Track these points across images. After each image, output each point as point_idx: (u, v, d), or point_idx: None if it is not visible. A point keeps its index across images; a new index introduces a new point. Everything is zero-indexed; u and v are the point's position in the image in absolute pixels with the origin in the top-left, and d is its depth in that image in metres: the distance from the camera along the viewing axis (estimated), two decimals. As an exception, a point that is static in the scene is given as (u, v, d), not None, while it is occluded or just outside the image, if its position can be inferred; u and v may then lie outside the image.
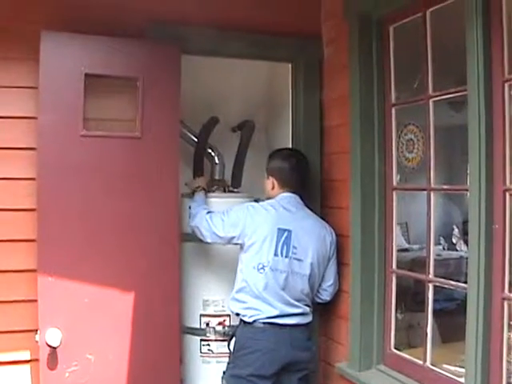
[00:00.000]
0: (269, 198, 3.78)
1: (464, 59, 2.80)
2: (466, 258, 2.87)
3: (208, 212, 3.71)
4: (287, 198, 3.70)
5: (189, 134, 4.19)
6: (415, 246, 8.08)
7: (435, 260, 3.40)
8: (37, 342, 3.31)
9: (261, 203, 3.74)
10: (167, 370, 3.59)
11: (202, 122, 4.23)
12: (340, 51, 3.85)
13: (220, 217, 3.65)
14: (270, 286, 3.49)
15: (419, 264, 4.64)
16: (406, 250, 7.86)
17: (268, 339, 3.45)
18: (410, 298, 5.19)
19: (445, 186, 3.92)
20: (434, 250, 3.39)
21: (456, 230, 8.34)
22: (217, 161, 4.25)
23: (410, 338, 4.52)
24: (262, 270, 3.50)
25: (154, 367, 3.56)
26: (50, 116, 3.36)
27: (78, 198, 3.41)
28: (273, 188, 3.74)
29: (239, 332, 3.55)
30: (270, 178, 3.75)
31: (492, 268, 2.72)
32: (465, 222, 8.15)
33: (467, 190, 2.90)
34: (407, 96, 3.62)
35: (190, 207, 3.84)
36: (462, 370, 2.98)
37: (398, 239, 3.79)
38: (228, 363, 3.60)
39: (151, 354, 3.55)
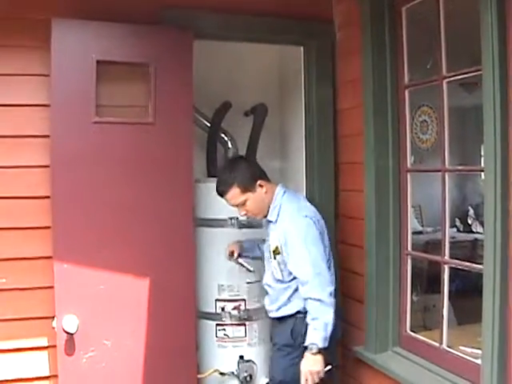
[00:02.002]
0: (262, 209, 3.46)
1: (478, 39, 2.77)
2: (481, 241, 2.87)
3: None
4: (285, 189, 3.50)
5: (202, 119, 4.18)
6: (429, 229, 8.08)
7: (450, 242, 3.39)
8: (54, 328, 3.33)
9: (299, 213, 3.33)
10: (184, 354, 3.60)
11: (215, 107, 4.22)
12: (352, 34, 3.82)
13: (318, 266, 3.25)
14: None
15: (433, 247, 4.64)
16: (419, 232, 7.86)
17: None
18: (425, 280, 5.19)
19: (459, 167, 3.89)
20: (448, 231, 3.38)
21: (471, 211, 8.33)
22: (230, 145, 4.24)
23: (425, 320, 4.52)
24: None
25: (170, 352, 3.57)
26: (62, 103, 3.36)
27: (92, 185, 3.42)
28: (266, 191, 3.39)
29: (299, 322, 3.36)
30: (258, 183, 3.37)
31: (508, 248, 2.70)
32: (478, 205, 8.15)
33: (482, 171, 2.88)
34: (420, 77, 3.60)
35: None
36: (479, 352, 2.96)
37: (411, 222, 3.77)
38: (286, 354, 3.41)
39: (167, 340, 3.57)
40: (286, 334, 3.37)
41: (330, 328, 3.16)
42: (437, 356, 3.31)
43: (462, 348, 3.33)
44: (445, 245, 3.30)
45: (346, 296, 3.99)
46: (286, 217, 3.33)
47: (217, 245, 3.93)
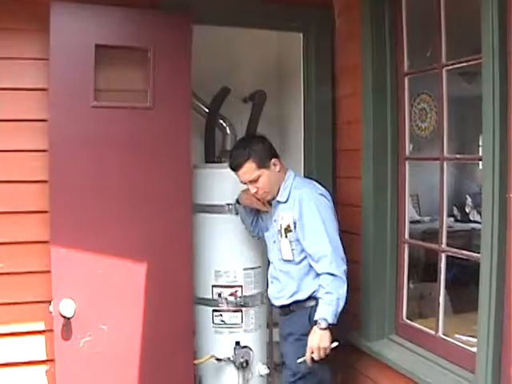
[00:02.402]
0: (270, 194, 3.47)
1: (479, 27, 2.76)
2: (477, 230, 2.87)
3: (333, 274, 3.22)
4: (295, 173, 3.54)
5: (200, 105, 4.17)
6: (426, 218, 8.10)
7: (447, 232, 3.39)
8: (51, 312, 3.33)
9: (315, 191, 3.36)
10: (180, 340, 3.61)
11: (213, 93, 4.20)
12: (352, 20, 3.82)
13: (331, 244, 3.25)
14: None
15: (430, 236, 4.64)
16: (417, 221, 7.88)
17: None
18: (421, 269, 5.20)
19: (458, 156, 3.88)
20: (446, 220, 3.38)
21: (469, 200, 8.35)
22: (228, 131, 4.22)
23: (421, 308, 4.53)
24: None
25: (167, 338, 3.58)
26: (60, 87, 3.35)
27: (90, 169, 3.41)
28: (279, 170, 3.42)
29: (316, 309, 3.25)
30: (273, 161, 3.39)
31: (506, 237, 2.70)
32: (476, 194, 8.17)
33: (480, 160, 2.88)
34: (420, 65, 3.59)
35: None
36: (474, 340, 2.98)
37: (409, 211, 3.77)
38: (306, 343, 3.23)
39: (164, 325, 3.58)
40: (304, 322, 3.30)
41: (342, 303, 3.18)
42: (433, 344, 3.32)
43: (457, 336, 3.34)
44: (442, 233, 3.31)
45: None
46: (301, 194, 3.32)
47: (214, 231, 3.92)
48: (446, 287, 3.37)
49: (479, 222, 6.25)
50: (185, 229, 3.63)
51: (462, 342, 3.22)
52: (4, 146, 3.36)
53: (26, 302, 3.40)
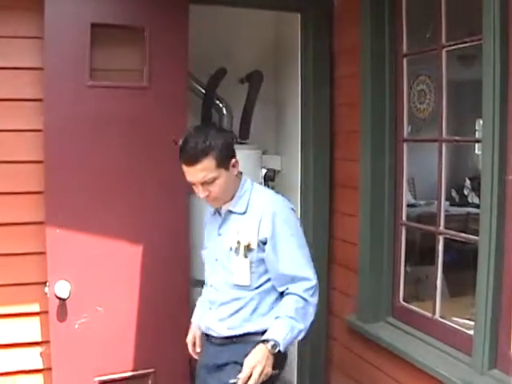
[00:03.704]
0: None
1: (480, 8, 2.73)
2: (473, 214, 2.85)
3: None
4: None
5: (197, 85, 4.14)
6: (422, 202, 8.11)
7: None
8: (46, 294, 3.32)
9: (287, 205, 2.82)
10: (176, 322, 3.59)
11: (210, 74, 4.17)
12: (350, 0, 3.77)
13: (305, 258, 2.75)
14: None
15: (426, 219, 4.64)
16: (412, 205, 7.88)
17: None
18: (418, 252, 5.20)
19: (456, 137, 3.86)
20: (444, 202, 3.37)
21: (468, 182, 8.37)
22: (225, 112, 4.21)
23: (418, 291, 4.53)
24: None
25: (163, 320, 3.58)
26: (56, 66, 3.31)
27: (86, 149, 3.38)
28: (237, 174, 2.79)
29: None
30: (233, 161, 2.74)
31: (504, 219, 2.70)
32: (475, 176, 8.19)
33: (479, 142, 2.86)
34: (419, 46, 3.56)
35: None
36: (471, 323, 2.98)
37: (406, 193, 3.76)
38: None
39: (161, 307, 3.57)
40: (249, 349, 2.61)
41: (301, 336, 2.70)
42: (429, 326, 3.32)
43: (454, 319, 3.34)
44: (440, 215, 3.29)
45: (337, 264, 4.00)
46: (274, 208, 2.71)
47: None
48: (443, 270, 3.35)
49: (476, 206, 6.26)
50: (181, 209, 3.62)
51: (458, 325, 3.21)
52: (-2, 125, 3.32)
53: (21, 284, 3.38)
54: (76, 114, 3.35)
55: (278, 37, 4.67)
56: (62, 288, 3.29)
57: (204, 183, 2.66)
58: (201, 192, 2.69)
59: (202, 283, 3.83)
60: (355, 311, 3.76)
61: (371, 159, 3.57)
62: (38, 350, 3.45)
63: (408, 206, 3.82)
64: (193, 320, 3.08)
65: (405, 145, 3.56)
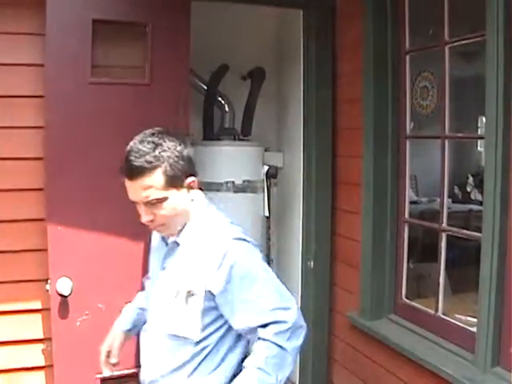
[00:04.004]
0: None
1: (483, 4, 2.71)
2: (475, 212, 2.84)
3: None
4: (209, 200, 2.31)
5: (198, 82, 4.14)
6: (424, 199, 8.08)
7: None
8: (47, 291, 3.31)
9: (251, 244, 2.16)
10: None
11: (212, 70, 4.16)
12: (353, -4, 3.77)
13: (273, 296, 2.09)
14: None
15: (429, 216, 4.62)
16: (415, 202, 7.85)
17: None
18: (420, 249, 5.18)
19: (459, 134, 3.85)
20: (447, 199, 3.36)
21: (471, 179, 8.35)
22: (227, 109, 4.21)
23: (420, 288, 4.52)
24: None
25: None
26: (57, 63, 3.30)
27: (87, 146, 3.37)
28: (193, 198, 2.18)
29: None
30: (188, 181, 2.13)
31: (508, 216, 2.69)
32: (477, 175, 8.16)
33: (482, 138, 2.85)
34: (422, 43, 3.54)
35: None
36: (474, 320, 2.97)
37: (409, 190, 3.75)
38: None
39: (162, 303, 3.56)
40: None
41: None
42: (432, 323, 3.31)
43: (457, 316, 3.32)
44: (443, 212, 3.28)
45: (340, 261, 3.99)
46: (231, 251, 2.06)
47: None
48: (446, 267, 3.34)
49: (479, 203, 6.25)
50: (183, 207, 3.60)
51: (461, 322, 3.20)
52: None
53: (23, 281, 3.37)
54: (77, 111, 3.34)
55: (281, 33, 4.66)
56: (64, 285, 3.28)
57: (149, 203, 2.11)
58: (143, 215, 2.14)
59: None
60: (357, 308, 3.75)
61: (374, 156, 3.56)
62: (40, 347, 3.44)
63: (410, 203, 3.81)
64: (116, 324, 2.64)
65: (407, 142, 3.56)
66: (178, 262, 2.19)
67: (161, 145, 2.10)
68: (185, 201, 2.14)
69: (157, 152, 2.07)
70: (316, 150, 4.06)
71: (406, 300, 3.62)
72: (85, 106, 3.35)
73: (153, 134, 2.17)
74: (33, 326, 3.43)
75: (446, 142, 3.24)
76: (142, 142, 2.13)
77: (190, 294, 2.11)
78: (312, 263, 4.10)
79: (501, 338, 2.75)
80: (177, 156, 2.09)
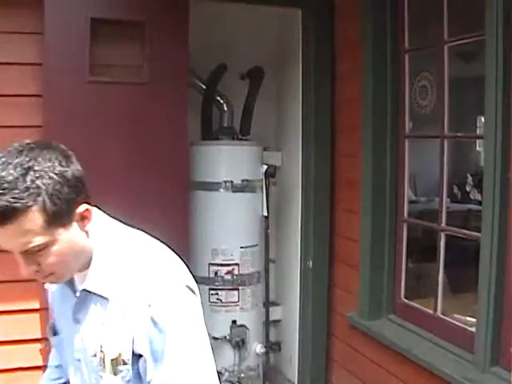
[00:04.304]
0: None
1: (482, 4, 2.71)
2: (474, 211, 2.84)
3: None
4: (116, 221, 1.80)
5: (197, 81, 4.13)
6: (423, 199, 8.08)
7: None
8: (46, 290, 3.29)
9: (181, 283, 1.61)
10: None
11: (211, 69, 4.15)
12: (352, -4, 3.76)
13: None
14: None
15: (428, 216, 4.62)
16: (414, 202, 7.85)
17: None
18: (419, 249, 5.18)
19: (458, 134, 3.85)
20: (446, 199, 3.35)
21: (470, 179, 8.35)
22: (225, 108, 4.19)
23: (419, 288, 4.51)
24: None
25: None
26: (55, 62, 3.31)
27: (85, 145, 3.34)
28: (87, 232, 1.60)
29: None
30: (80, 211, 1.56)
31: (507, 216, 2.68)
32: (476, 174, 8.16)
33: (481, 138, 2.85)
34: (421, 42, 3.54)
35: None
36: (473, 320, 2.97)
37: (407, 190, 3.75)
38: None
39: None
40: None
41: None
42: (431, 323, 3.30)
43: (456, 316, 3.32)
44: (442, 212, 3.28)
45: (339, 261, 3.99)
46: (155, 300, 1.50)
47: (211, 208, 3.90)
48: (445, 267, 3.34)
49: (478, 203, 6.24)
50: (181, 205, 3.61)
51: (460, 322, 3.20)
52: (-2, 121, 3.30)
53: (21, 281, 3.32)
54: (76, 110, 3.34)
55: (279, 32, 4.65)
56: (62, 284, 3.27)
57: (27, 253, 1.48)
58: (23, 267, 1.52)
59: (201, 279, 3.84)
60: (356, 308, 3.75)
61: (373, 155, 3.56)
62: (38, 346, 3.43)
63: (409, 202, 3.81)
64: None
65: (406, 141, 3.55)
66: (95, 314, 1.59)
67: (32, 168, 1.41)
68: (79, 238, 1.54)
69: (28, 181, 1.39)
70: (315, 149, 4.06)
71: (405, 300, 3.62)
72: (83, 104, 3.36)
73: (20, 152, 1.45)
74: (31, 326, 3.42)
75: (445, 142, 3.23)
76: (4, 166, 1.39)
77: (116, 363, 1.55)
78: (311, 263, 4.09)
79: (500, 337, 2.74)
80: (58, 182, 1.45)
